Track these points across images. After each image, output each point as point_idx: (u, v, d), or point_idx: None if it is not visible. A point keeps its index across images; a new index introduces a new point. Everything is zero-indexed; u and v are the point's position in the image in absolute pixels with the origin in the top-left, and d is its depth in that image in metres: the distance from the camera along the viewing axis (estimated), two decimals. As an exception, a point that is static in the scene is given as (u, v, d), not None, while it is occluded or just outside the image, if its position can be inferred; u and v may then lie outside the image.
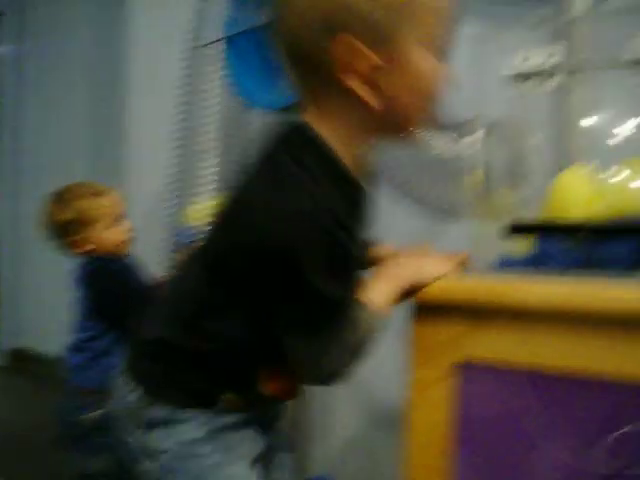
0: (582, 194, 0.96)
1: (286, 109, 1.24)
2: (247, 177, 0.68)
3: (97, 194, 1.39)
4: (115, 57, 2.13)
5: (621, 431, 0.85)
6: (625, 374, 0.86)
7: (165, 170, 1.85)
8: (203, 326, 0.71)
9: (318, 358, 0.67)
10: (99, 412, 1.35)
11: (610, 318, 0.88)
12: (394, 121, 0.67)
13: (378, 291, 0.71)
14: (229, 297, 0.69)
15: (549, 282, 0.92)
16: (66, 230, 1.38)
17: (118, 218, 1.40)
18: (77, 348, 1.38)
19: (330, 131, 0.65)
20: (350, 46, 0.60)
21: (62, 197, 1.39)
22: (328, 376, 0.70)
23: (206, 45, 1.27)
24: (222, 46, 1.26)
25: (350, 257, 0.65)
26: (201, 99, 1.41)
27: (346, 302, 0.68)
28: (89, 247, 1.37)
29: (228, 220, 0.70)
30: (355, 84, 0.62)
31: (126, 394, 0.74)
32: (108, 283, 1.37)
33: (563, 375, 0.89)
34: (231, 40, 1.24)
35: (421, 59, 0.63)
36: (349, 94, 0.63)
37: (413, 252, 0.80)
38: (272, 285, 0.64)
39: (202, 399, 0.72)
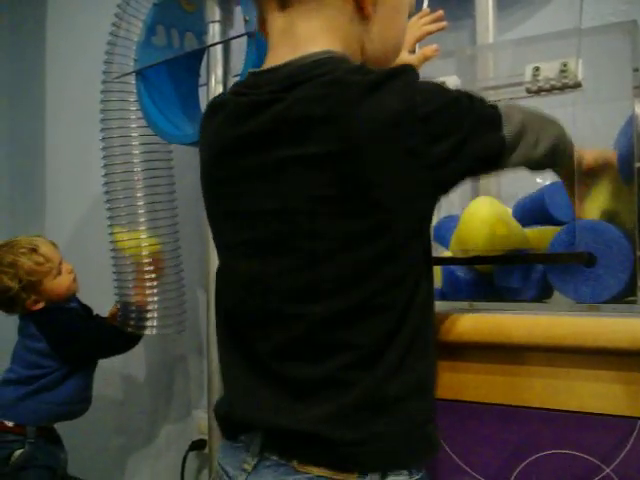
0: (488, 224, 0.96)
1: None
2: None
3: (32, 250, 1.40)
4: (33, 88, 2.07)
5: (535, 456, 0.85)
6: (537, 403, 0.87)
7: (87, 203, 1.81)
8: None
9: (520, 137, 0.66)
10: (20, 452, 1.37)
11: (517, 349, 0.88)
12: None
13: None
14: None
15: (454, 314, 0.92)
16: (17, 299, 1.39)
17: (59, 265, 1.43)
18: (18, 382, 1.41)
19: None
20: None
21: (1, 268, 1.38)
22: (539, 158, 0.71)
23: (117, 78, 1.24)
24: (133, 80, 1.24)
25: None
26: (122, 133, 1.38)
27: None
28: (41, 305, 1.41)
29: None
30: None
31: None
32: (66, 329, 1.42)
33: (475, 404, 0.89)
34: (141, 74, 1.22)
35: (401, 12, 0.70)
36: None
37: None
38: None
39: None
